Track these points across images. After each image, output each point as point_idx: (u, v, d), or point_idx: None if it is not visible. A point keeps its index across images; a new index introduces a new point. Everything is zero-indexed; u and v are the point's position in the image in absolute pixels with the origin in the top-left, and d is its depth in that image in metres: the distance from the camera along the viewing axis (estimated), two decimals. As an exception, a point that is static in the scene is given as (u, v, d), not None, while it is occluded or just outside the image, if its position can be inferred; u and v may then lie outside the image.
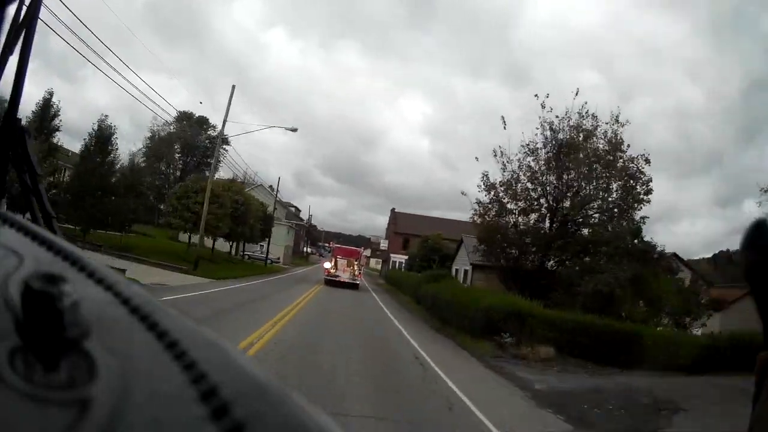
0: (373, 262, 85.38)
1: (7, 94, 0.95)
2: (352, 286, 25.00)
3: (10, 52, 0.92)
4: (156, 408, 0.24)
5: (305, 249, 78.69)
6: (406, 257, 41.38)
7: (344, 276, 25.22)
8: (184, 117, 46.22)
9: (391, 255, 48.11)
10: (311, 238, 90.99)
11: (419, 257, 31.94)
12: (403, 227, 49.18)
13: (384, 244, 55.16)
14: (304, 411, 0.27)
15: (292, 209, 63.98)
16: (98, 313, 0.29)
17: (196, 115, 49.90)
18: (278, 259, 42.97)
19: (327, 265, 27.00)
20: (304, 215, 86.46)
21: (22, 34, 0.93)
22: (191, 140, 48.41)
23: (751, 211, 18.56)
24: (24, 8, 0.93)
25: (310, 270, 41.86)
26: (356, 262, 26.07)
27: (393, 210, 55.97)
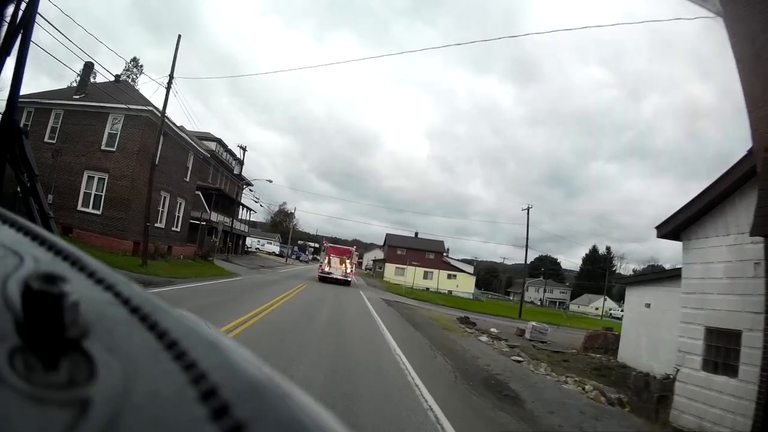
0: (443, 276, 40.95)
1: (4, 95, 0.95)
2: (344, 282, 26.35)
3: (7, 54, 0.93)
4: (156, 408, 0.24)
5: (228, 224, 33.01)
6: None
7: (337, 273, 26.78)
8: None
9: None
10: (290, 235, 56.21)
11: None
12: None
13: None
14: (304, 411, 0.27)
15: (212, 145, 32.30)
16: (98, 313, 0.29)
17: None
18: None
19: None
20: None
21: (19, 36, 0.94)
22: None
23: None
24: (21, 10, 0.93)
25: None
26: (348, 260, 27.77)
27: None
